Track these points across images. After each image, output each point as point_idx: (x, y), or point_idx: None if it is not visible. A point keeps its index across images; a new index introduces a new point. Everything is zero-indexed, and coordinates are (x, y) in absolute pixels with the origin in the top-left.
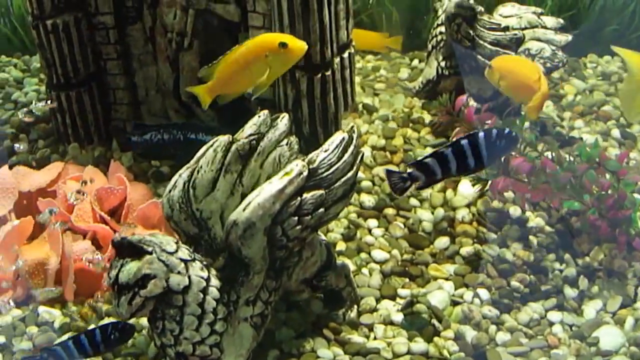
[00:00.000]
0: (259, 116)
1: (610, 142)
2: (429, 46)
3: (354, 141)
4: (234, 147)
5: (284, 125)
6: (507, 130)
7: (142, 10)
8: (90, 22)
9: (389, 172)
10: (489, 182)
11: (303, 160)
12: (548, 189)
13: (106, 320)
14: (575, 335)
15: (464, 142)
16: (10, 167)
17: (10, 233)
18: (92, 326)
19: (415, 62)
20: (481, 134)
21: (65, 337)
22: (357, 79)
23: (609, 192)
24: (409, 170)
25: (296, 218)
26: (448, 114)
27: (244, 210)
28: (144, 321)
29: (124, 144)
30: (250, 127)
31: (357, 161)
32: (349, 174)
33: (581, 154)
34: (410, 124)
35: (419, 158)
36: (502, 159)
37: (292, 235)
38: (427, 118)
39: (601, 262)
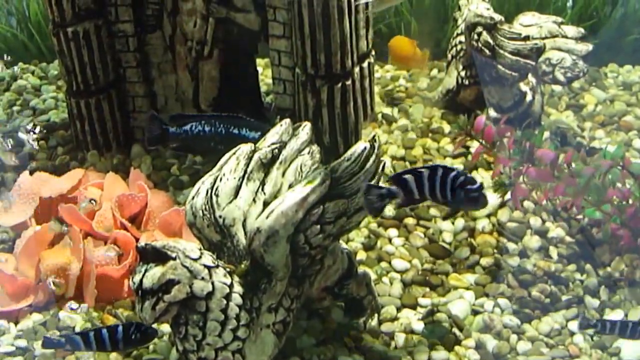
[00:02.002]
0: (281, 125)
1: (632, 152)
2: (449, 56)
3: (376, 150)
4: (256, 155)
5: (306, 134)
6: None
7: (162, 19)
8: (110, 29)
9: (368, 188)
10: (510, 190)
11: (326, 168)
12: (572, 181)
13: None
14: (596, 345)
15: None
16: (31, 173)
17: (32, 239)
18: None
19: (435, 71)
20: (454, 172)
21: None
22: (376, 89)
23: (630, 201)
24: (388, 186)
25: (318, 226)
26: (468, 135)
27: (267, 217)
28: (165, 327)
29: (153, 140)
30: (272, 136)
31: (379, 170)
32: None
33: (605, 155)
34: (430, 134)
35: (398, 172)
36: (527, 148)
37: (315, 243)
38: (447, 128)
39: (622, 273)
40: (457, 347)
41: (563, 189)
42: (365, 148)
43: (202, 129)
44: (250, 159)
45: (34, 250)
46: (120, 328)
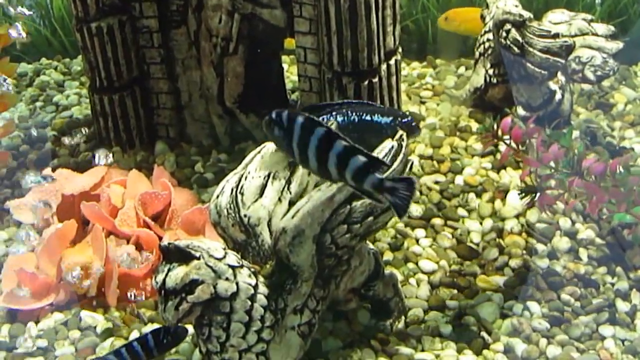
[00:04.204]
0: None
1: None
2: (477, 53)
3: (403, 149)
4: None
5: None
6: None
7: (186, 14)
8: (134, 25)
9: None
10: (537, 194)
11: None
12: (617, 192)
13: (150, 327)
14: (628, 350)
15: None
16: (53, 170)
17: (53, 236)
18: (134, 332)
19: (462, 69)
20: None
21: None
22: (403, 87)
23: None
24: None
25: (345, 226)
26: (494, 137)
27: (293, 217)
28: (189, 327)
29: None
30: None
31: (407, 170)
32: None
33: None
34: (458, 133)
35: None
36: (575, 159)
37: (341, 243)
38: (475, 126)
39: None
40: (485, 351)
41: (607, 199)
42: (392, 147)
43: (335, 120)
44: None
45: (55, 248)
46: (149, 336)
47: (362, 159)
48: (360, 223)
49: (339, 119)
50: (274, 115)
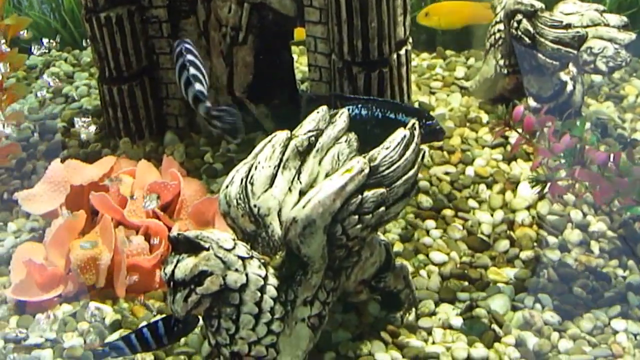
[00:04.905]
0: (318, 112)
1: None
2: (487, 44)
3: (415, 139)
4: (292, 143)
5: (343, 122)
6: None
7: (196, 4)
8: (144, 15)
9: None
10: (549, 183)
11: (364, 157)
12: (622, 182)
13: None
14: None
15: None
16: (62, 161)
17: (62, 227)
18: (143, 323)
19: (472, 60)
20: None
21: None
22: (413, 77)
23: None
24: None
25: (357, 216)
26: (506, 125)
27: (303, 207)
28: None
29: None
30: (309, 123)
31: (419, 159)
32: (410, 173)
33: None
34: (468, 124)
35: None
36: (578, 149)
37: (352, 234)
38: (485, 118)
39: None
40: (496, 344)
41: (612, 189)
42: (405, 136)
43: (359, 113)
44: (286, 147)
45: (64, 239)
46: (160, 323)
47: (198, 87)
48: (371, 213)
49: (363, 112)
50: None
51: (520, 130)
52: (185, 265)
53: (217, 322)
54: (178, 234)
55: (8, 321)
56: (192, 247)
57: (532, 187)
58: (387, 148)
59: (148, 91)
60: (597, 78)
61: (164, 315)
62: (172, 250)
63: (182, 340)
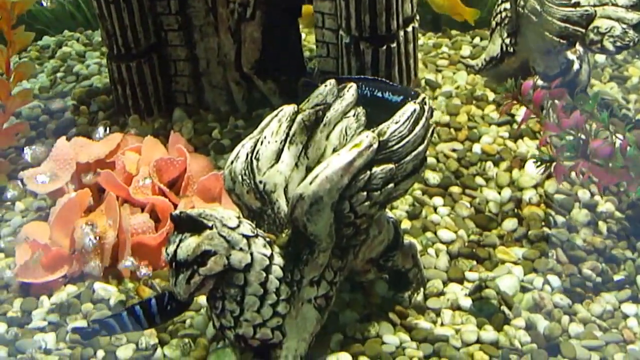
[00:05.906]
0: (325, 85)
1: None
2: (493, 23)
3: (426, 113)
4: (299, 117)
5: (351, 96)
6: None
7: None
8: None
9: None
10: (554, 163)
11: (373, 131)
12: (625, 174)
13: None
14: None
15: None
16: (69, 139)
17: (68, 205)
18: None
19: (477, 39)
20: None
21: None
22: (419, 56)
23: None
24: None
25: (365, 193)
26: (515, 99)
27: (310, 183)
28: (202, 300)
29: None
30: (316, 97)
31: (429, 135)
32: (420, 148)
33: None
34: (474, 101)
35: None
36: (581, 140)
37: (361, 211)
38: (491, 96)
39: None
40: (506, 327)
41: (615, 181)
42: (414, 110)
43: None
44: (292, 121)
45: (68, 217)
46: (153, 301)
47: None
48: (380, 190)
49: None
50: None
51: (529, 105)
52: (188, 245)
53: (222, 304)
54: (180, 212)
55: (12, 304)
56: (195, 225)
57: (537, 167)
58: (396, 122)
59: (156, 68)
60: (600, 59)
61: (156, 294)
62: (174, 229)
63: (188, 321)
